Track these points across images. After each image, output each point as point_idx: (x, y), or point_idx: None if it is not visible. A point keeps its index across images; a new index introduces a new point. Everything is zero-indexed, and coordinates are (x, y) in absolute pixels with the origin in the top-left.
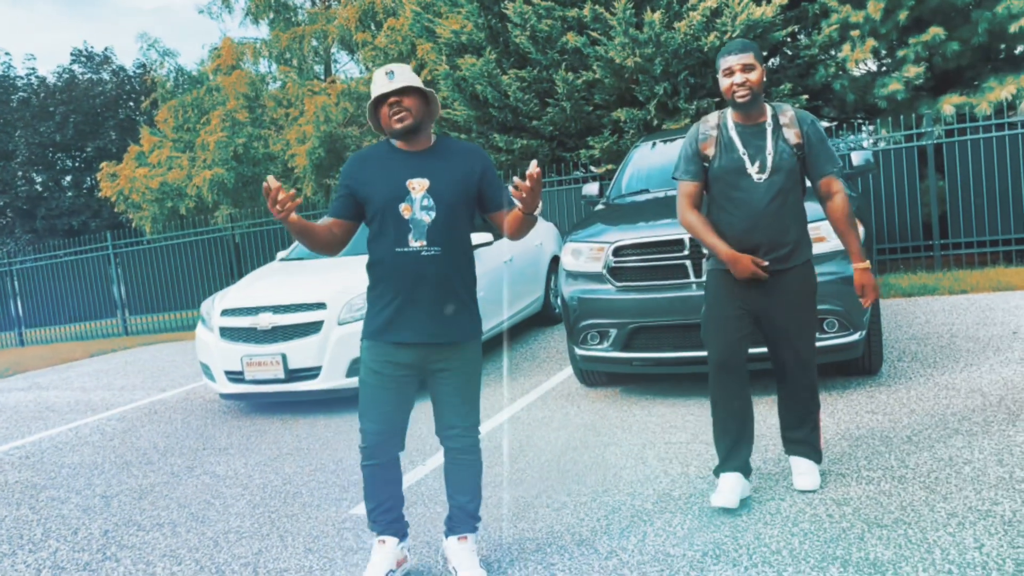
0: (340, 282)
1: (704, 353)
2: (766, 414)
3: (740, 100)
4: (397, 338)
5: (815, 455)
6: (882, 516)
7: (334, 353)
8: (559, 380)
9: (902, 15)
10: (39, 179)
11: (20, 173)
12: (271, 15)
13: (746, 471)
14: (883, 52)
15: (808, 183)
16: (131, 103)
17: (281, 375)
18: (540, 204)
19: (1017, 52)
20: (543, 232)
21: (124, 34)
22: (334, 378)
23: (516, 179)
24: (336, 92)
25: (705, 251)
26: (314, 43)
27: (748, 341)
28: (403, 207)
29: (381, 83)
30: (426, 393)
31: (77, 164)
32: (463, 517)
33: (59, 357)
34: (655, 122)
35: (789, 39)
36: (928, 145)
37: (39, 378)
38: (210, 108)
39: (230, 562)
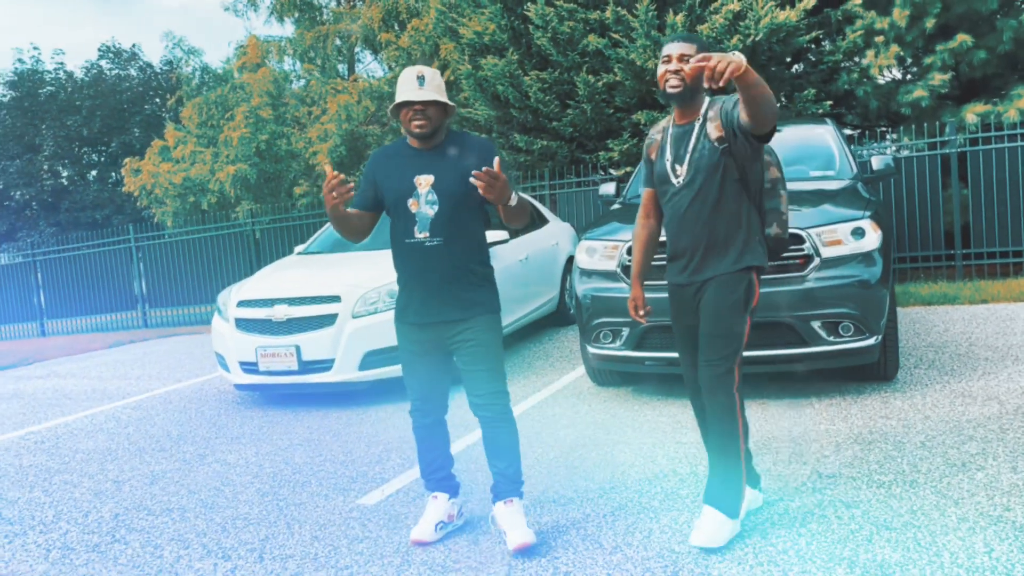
0: (355, 276)
1: None
2: (777, 416)
3: (671, 90)
4: (412, 319)
5: (723, 504)
6: (891, 519)
7: (347, 346)
8: (571, 379)
9: (928, 22)
10: (65, 173)
11: (46, 166)
12: (296, 14)
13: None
14: (908, 59)
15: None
16: (157, 99)
17: (295, 367)
18: (511, 193)
19: None
20: (559, 232)
21: (155, 31)
22: (347, 371)
23: (474, 171)
24: (358, 91)
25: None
26: (338, 42)
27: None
28: (411, 202)
29: (410, 87)
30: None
31: (102, 159)
32: (505, 482)
33: (78, 347)
34: None
35: (813, 44)
36: (952, 153)
37: (57, 367)
38: (234, 105)
39: (236, 547)
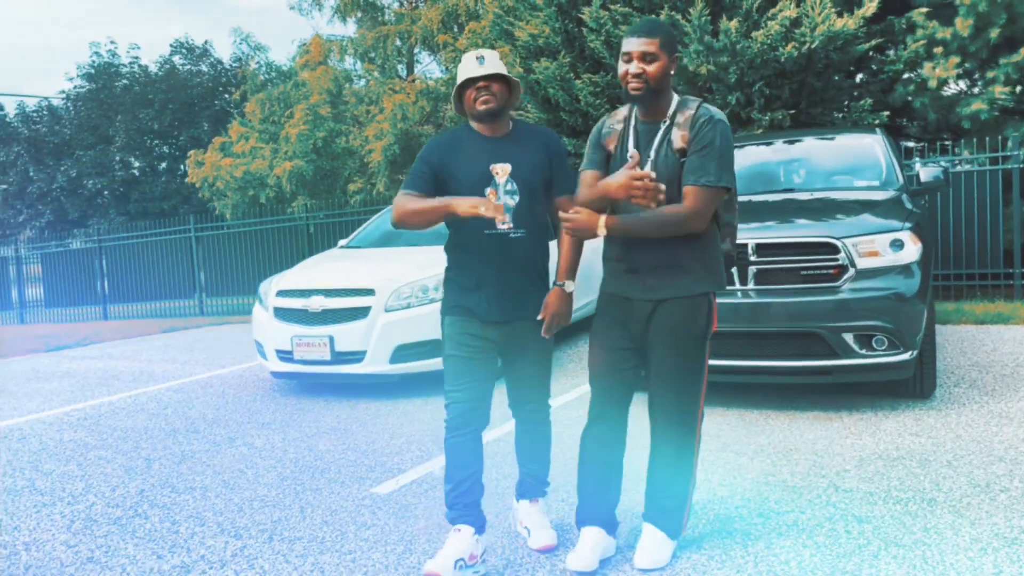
0: (390, 270)
1: (747, 363)
2: (803, 428)
3: (633, 92)
4: (485, 316)
5: (668, 524)
6: (902, 536)
7: (379, 339)
8: None
9: (993, 33)
10: (136, 164)
11: (118, 157)
12: (359, 14)
13: (610, 526)
14: (972, 71)
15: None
16: (226, 95)
17: (327, 357)
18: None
19: None
20: None
21: (230, 28)
22: (378, 363)
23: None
24: (415, 91)
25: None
26: (398, 42)
27: (633, 379)
28: (489, 191)
29: (471, 67)
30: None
31: (172, 151)
32: (534, 483)
33: (134, 331)
34: None
35: (876, 52)
36: (1014, 169)
37: (111, 349)
38: (295, 102)
39: (249, 527)
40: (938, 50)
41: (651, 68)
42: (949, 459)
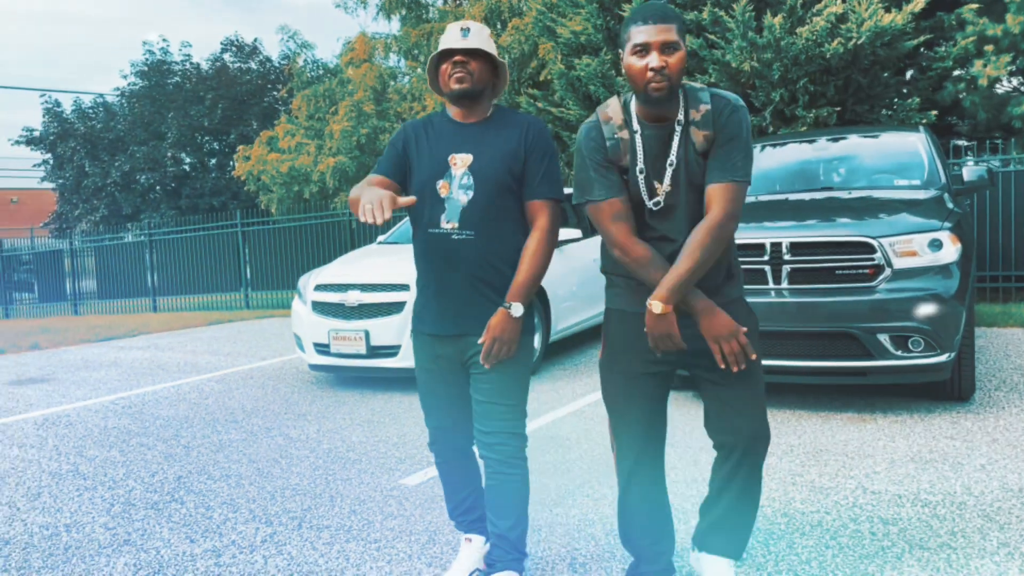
0: None
1: (779, 362)
2: (836, 429)
3: (657, 95)
4: (430, 329)
5: (734, 548)
6: (928, 539)
7: None
8: None
9: None
10: (187, 160)
11: (170, 153)
12: (403, 11)
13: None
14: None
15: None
16: (274, 92)
17: (363, 351)
18: (510, 347)
19: None
20: None
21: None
22: (411, 358)
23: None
24: None
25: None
26: None
27: (665, 411)
28: (441, 184)
29: (452, 37)
30: None
31: (222, 147)
32: (505, 549)
33: (181, 323)
34: (770, 129)
35: (925, 48)
36: None
37: (158, 340)
38: (340, 99)
39: (280, 515)
40: (989, 48)
41: (673, 60)
42: (983, 463)
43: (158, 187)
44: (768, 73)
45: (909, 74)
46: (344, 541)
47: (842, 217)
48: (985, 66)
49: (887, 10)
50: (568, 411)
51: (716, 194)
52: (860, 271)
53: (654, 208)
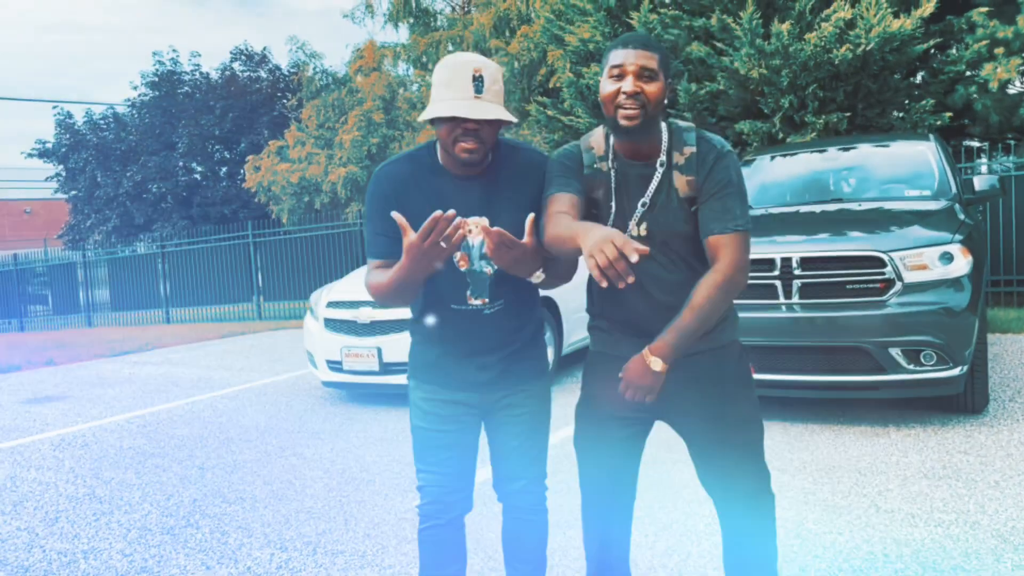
0: None
1: (790, 377)
2: (848, 444)
3: (626, 123)
4: (455, 380)
5: None
6: (942, 561)
7: None
8: None
9: None
10: (198, 169)
11: (181, 163)
12: (411, 20)
13: None
14: None
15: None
16: (284, 101)
17: (376, 367)
18: (535, 271)
19: None
20: None
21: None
22: None
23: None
24: None
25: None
26: (450, 47)
27: (635, 466)
28: (459, 257)
29: (463, 92)
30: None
31: (233, 156)
32: None
33: (194, 336)
34: (780, 135)
35: (937, 51)
36: None
37: (172, 354)
38: (350, 108)
39: (294, 539)
40: (999, 50)
41: (651, 88)
42: (997, 479)
43: (169, 197)
44: (777, 79)
45: (920, 76)
46: (358, 567)
47: (852, 230)
48: (996, 69)
49: (896, 15)
50: None
51: (722, 245)
52: (871, 285)
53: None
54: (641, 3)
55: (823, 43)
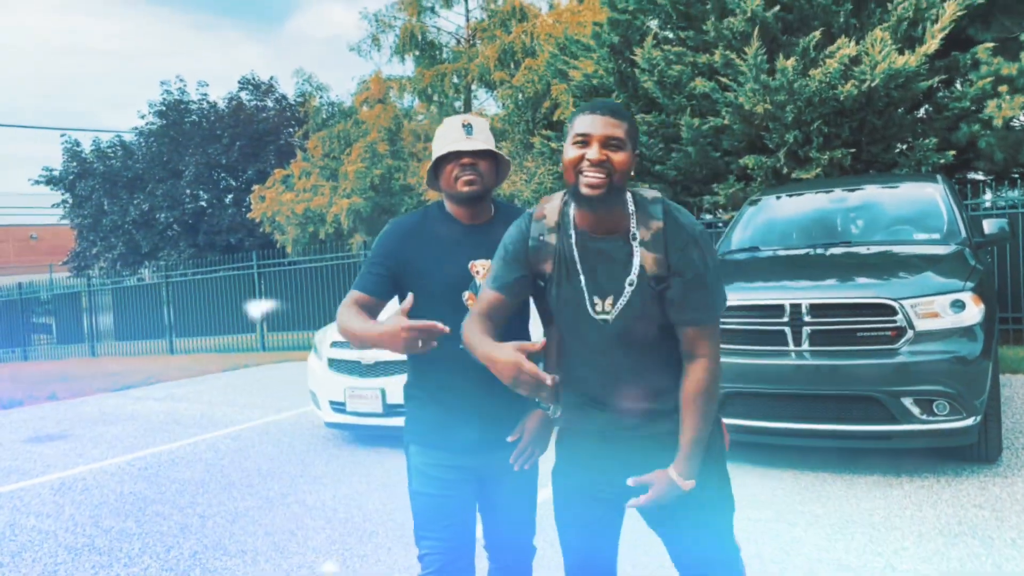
0: None
1: (803, 426)
2: (862, 496)
3: (588, 192)
4: (456, 442)
5: None
6: None
7: None
8: None
9: None
10: (204, 197)
11: (188, 191)
12: (416, 52)
13: None
14: None
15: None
16: (290, 130)
17: (379, 409)
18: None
19: None
20: None
21: (301, 59)
22: None
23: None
24: None
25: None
26: (455, 80)
27: (615, 536)
28: (467, 295)
29: (455, 137)
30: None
31: (239, 184)
32: None
33: (197, 369)
34: (784, 170)
35: (942, 86)
36: None
37: (175, 389)
38: (355, 139)
39: None
40: (1003, 87)
41: (617, 157)
42: (1013, 536)
43: (176, 225)
44: (782, 115)
45: (924, 110)
46: None
47: (862, 276)
48: (999, 108)
49: (900, 52)
50: None
51: (695, 337)
52: (882, 333)
53: (600, 322)
54: (644, 40)
55: (828, 79)
